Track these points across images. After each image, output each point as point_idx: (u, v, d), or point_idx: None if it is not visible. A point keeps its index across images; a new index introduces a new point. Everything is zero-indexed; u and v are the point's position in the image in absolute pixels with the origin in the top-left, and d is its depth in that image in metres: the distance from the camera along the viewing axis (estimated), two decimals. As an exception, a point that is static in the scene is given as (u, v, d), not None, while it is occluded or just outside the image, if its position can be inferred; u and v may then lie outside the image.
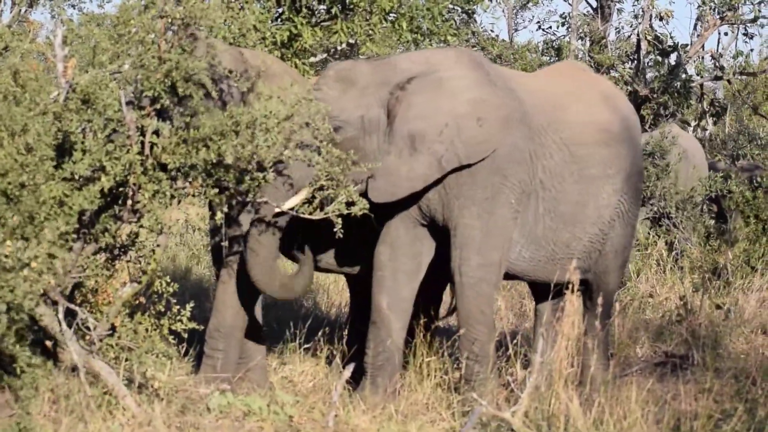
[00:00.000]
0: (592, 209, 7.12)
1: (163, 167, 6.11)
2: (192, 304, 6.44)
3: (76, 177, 5.89)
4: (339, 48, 9.71)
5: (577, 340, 6.41)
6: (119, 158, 5.94)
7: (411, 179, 6.73)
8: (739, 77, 16.57)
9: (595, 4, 17.24)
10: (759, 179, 12.28)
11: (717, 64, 15.73)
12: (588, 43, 17.15)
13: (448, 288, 7.51)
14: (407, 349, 7.18)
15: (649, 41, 15.36)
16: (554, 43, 17.24)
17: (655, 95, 14.94)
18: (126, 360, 6.18)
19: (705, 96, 16.72)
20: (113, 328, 6.20)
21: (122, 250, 6.34)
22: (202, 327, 6.73)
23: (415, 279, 6.98)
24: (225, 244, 6.75)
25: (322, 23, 9.72)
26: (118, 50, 6.10)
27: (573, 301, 6.44)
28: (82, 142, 5.93)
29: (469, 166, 6.75)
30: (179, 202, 6.43)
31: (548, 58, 16.90)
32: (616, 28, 17.48)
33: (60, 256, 5.66)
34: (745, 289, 10.43)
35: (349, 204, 6.44)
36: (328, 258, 7.41)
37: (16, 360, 5.73)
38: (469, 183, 6.77)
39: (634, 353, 8.57)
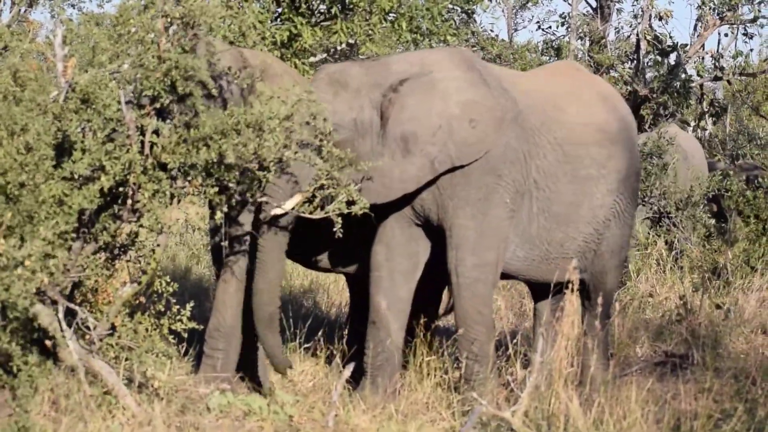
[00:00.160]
0: (586, 209, 7.11)
1: (163, 167, 6.11)
2: (192, 304, 6.44)
3: (76, 176, 5.89)
4: (339, 48, 9.71)
5: (576, 340, 6.41)
6: (119, 158, 5.94)
7: (404, 181, 6.72)
8: (739, 77, 16.58)
9: (594, 4, 17.25)
10: (759, 179, 12.28)
11: (717, 64, 15.74)
12: (587, 43, 17.16)
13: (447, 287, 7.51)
14: (407, 348, 7.18)
15: (648, 41, 15.37)
16: (554, 43, 17.26)
17: (654, 95, 14.95)
18: (126, 359, 6.18)
19: (705, 96, 16.73)
20: (113, 327, 6.20)
21: (122, 249, 6.34)
22: (202, 327, 6.73)
23: (412, 279, 6.99)
24: (225, 243, 6.75)
25: (321, 23, 9.72)
26: (118, 50, 6.10)
27: (573, 301, 6.44)
28: (82, 142, 5.93)
29: (462, 167, 6.74)
30: (179, 201, 6.43)
31: (548, 58, 16.91)
32: (615, 28, 17.51)
33: (56, 255, 5.66)
34: (744, 289, 10.43)
35: (350, 203, 6.45)
36: (328, 258, 7.41)
37: (12, 359, 5.73)
38: (463, 183, 6.77)
39: (634, 353, 8.57)
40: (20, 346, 5.76)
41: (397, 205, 6.85)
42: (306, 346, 7.63)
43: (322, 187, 6.46)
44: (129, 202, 6.11)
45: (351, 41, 9.61)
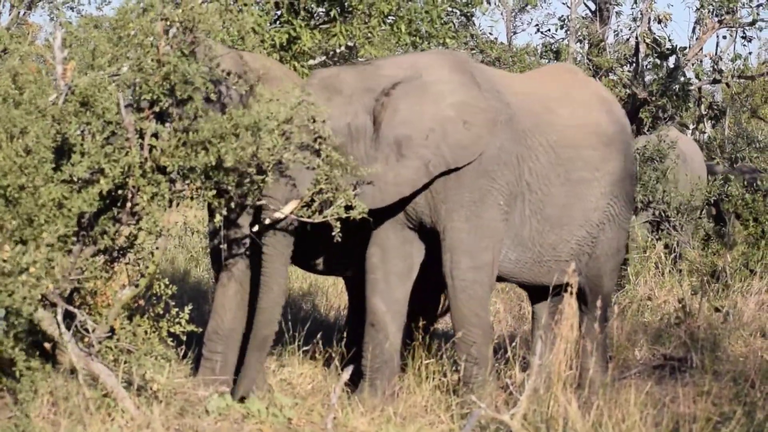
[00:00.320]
0: (578, 212, 7.11)
1: (162, 170, 6.12)
2: (191, 307, 6.46)
3: (75, 179, 5.89)
4: (338, 51, 9.71)
5: (575, 343, 6.41)
6: (118, 161, 5.94)
7: (399, 185, 6.72)
8: (738, 80, 16.58)
9: (593, 7, 17.25)
10: (758, 182, 12.29)
11: (715, 67, 15.74)
12: (587, 46, 17.16)
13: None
14: (406, 351, 7.18)
15: (647, 44, 15.37)
16: (553, 46, 17.26)
17: (653, 98, 14.95)
18: (125, 362, 6.18)
19: (703, 99, 16.74)
20: (112, 330, 6.21)
21: (121, 252, 6.34)
22: (201, 329, 6.74)
23: (407, 280, 6.98)
24: (224, 246, 6.75)
25: (320, 26, 9.72)
26: (117, 53, 6.10)
27: (571, 304, 6.44)
28: (81, 145, 5.94)
29: (456, 169, 6.74)
30: (177, 204, 6.44)
31: (547, 61, 16.91)
32: (614, 31, 17.51)
33: (59, 261, 5.67)
34: (743, 292, 10.44)
35: (348, 208, 6.45)
36: (326, 261, 7.41)
37: (15, 363, 5.73)
38: (456, 187, 6.77)
39: (633, 356, 8.57)
40: (23, 350, 5.77)
41: (393, 210, 6.85)
42: (305, 348, 7.63)
43: (321, 191, 6.46)
44: (128, 205, 6.11)
45: (350, 44, 9.61)
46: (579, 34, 17.12)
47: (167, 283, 6.31)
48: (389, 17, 9.88)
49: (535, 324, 7.54)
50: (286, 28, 9.40)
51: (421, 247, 7.00)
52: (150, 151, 6.07)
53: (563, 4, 18.11)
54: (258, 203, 6.50)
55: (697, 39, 15.73)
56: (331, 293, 10.38)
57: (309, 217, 6.49)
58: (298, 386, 7.26)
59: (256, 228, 6.59)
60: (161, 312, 6.33)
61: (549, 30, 18.25)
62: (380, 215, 6.85)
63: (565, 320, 6.32)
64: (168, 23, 6.13)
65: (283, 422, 6.42)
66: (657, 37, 15.47)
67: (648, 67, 15.46)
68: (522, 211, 6.94)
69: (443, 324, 8.49)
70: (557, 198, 7.01)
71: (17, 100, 5.92)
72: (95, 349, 6.08)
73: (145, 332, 6.23)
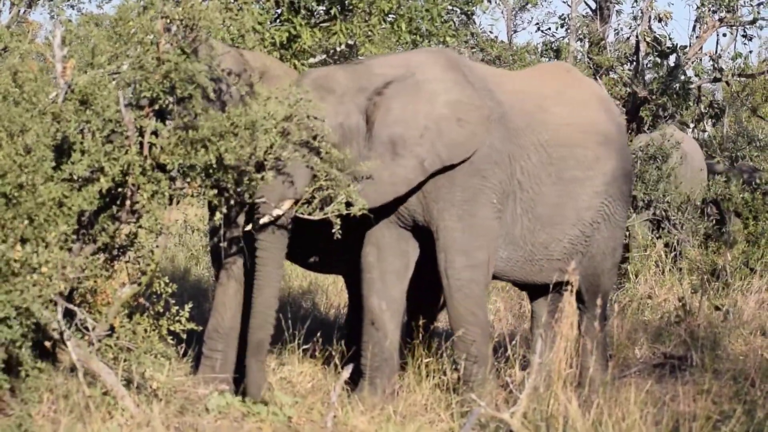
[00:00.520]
0: (571, 211, 7.10)
1: (162, 168, 6.11)
2: (190, 305, 6.45)
3: (75, 178, 5.89)
4: (338, 49, 9.70)
5: (575, 342, 6.41)
6: (118, 159, 5.94)
7: (394, 184, 6.71)
8: (738, 79, 16.57)
9: (594, 6, 17.24)
10: (758, 181, 12.29)
11: (716, 65, 15.73)
12: (587, 45, 17.14)
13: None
14: (406, 350, 7.18)
15: (648, 43, 15.36)
16: (553, 45, 17.24)
17: (654, 97, 14.94)
18: (125, 360, 6.18)
19: (703, 98, 16.72)
20: (112, 328, 6.20)
21: (121, 250, 6.34)
22: (201, 328, 6.74)
23: (404, 278, 6.98)
24: (224, 245, 6.75)
25: (321, 24, 9.71)
26: (117, 51, 6.10)
27: (572, 303, 6.44)
28: (81, 143, 5.93)
29: (449, 168, 6.73)
30: (177, 202, 6.44)
31: (547, 59, 16.89)
32: (615, 30, 17.49)
33: (68, 261, 5.68)
34: (743, 291, 10.44)
35: (348, 205, 6.45)
36: (326, 259, 7.41)
37: (22, 363, 5.73)
38: (447, 186, 6.76)
39: (633, 354, 8.57)
40: (30, 350, 5.77)
41: (388, 209, 6.84)
42: (305, 347, 7.63)
43: (321, 188, 6.45)
44: (128, 203, 6.11)
45: (350, 42, 9.60)
46: (579, 32, 17.11)
47: (167, 281, 6.31)
48: (390, 15, 9.87)
49: (534, 322, 7.54)
50: (287, 27, 9.39)
51: (416, 244, 7.00)
52: (150, 149, 6.07)
53: (564, 2, 18.09)
54: (256, 201, 6.49)
55: (697, 37, 15.72)
56: (331, 291, 10.38)
57: (309, 214, 6.49)
58: (298, 385, 7.26)
59: (249, 227, 6.58)
60: (161, 310, 6.33)
61: (549, 28, 18.18)
62: (375, 214, 6.84)
63: (565, 319, 6.32)
64: (168, 21, 6.12)
65: (283, 421, 6.42)
66: (657, 36, 15.46)
67: (648, 65, 15.45)
68: (513, 209, 6.94)
69: (443, 322, 8.48)
70: (549, 197, 7.01)
71: (17, 98, 5.92)
72: (95, 347, 6.08)
73: (145, 330, 6.23)
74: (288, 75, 7.06)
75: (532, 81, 7.35)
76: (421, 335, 7.14)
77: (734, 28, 16.09)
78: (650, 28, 15.61)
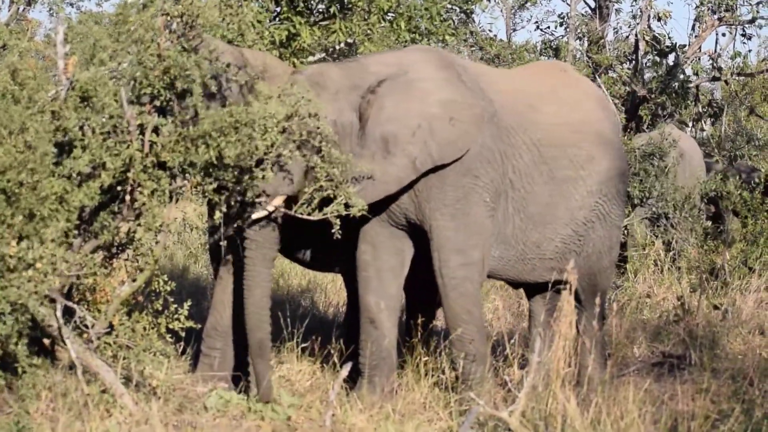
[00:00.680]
0: (563, 210, 7.10)
1: (162, 165, 6.11)
2: (189, 303, 6.46)
3: (75, 174, 5.89)
4: (337, 47, 9.70)
5: (574, 341, 6.42)
6: (119, 154, 5.93)
7: (386, 182, 6.70)
8: (737, 78, 16.57)
9: (593, 5, 17.23)
10: (757, 180, 12.29)
11: (715, 64, 15.73)
12: (586, 44, 17.14)
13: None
14: (405, 348, 7.19)
15: (647, 42, 15.36)
16: (552, 44, 17.24)
17: (653, 95, 14.94)
18: (124, 358, 6.18)
19: (702, 97, 16.72)
20: (111, 326, 6.21)
21: (120, 248, 6.34)
22: (200, 325, 6.74)
23: (400, 275, 6.98)
24: (223, 243, 6.75)
25: (320, 22, 9.71)
26: (118, 47, 6.10)
27: (570, 302, 6.44)
28: (82, 139, 5.93)
29: (443, 166, 6.73)
30: (177, 200, 6.44)
31: (546, 58, 16.89)
32: (614, 29, 17.50)
33: (64, 257, 5.68)
34: (742, 290, 10.44)
35: (347, 204, 6.45)
36: (325, 257, 7.41)
37: (17, 360, 5.73)
38: (438, 185, 6.76)
39: (632, 353, 8.58)
40: (25, 346, 5.77)
41: (381, 207, 6.83)
42: (303, 345, 7.63)
43: (321, 188, 6.45)
44: (128, 199, 6.11)
45: (349, 41, 9.60)
46: (578, 31, 17.12)
47: (166, 279, 6.31)
48: (389, 14, 9.87)
49: (532, 321, 7.55)
50: (286, 25, 9.39)
51: (411, 242, 7.00)
52: (150, 146, 6.06)
53: (563, 1, 18.10)
54: (257, 200, 6.49)
55: (696, 36, 15.72)
56: (329, 290, 10.38)
57: (309, 214, 6.49)
58: (297, 383, 7.26)
59: (240, 223, 6.57)
60: (160, 308, 6.33)
61: (548, 27, 18.21)
62: (368, 212, 6.84)
63: (564, 318, 6.32)
64: (169, 18, 6.12)
65: (282, 419, 6.42)
66: (656, 35, 15.45)
67: (647, 64, 15.44)
68: (505, 208, 6.94)
69: (442, 321, 8.48)
70: (541, 196, 7.01)
71: (17, 96, 5.92)
72: (94, 345, 6.08)
73: (144, 328, 6.24)
74: (288, 74, 7.06)
75: (526, 80, 7.35)
76: (419, 334, 7.14)
77: (733, 27, 16.10)
78: (649, 27, 15.60)
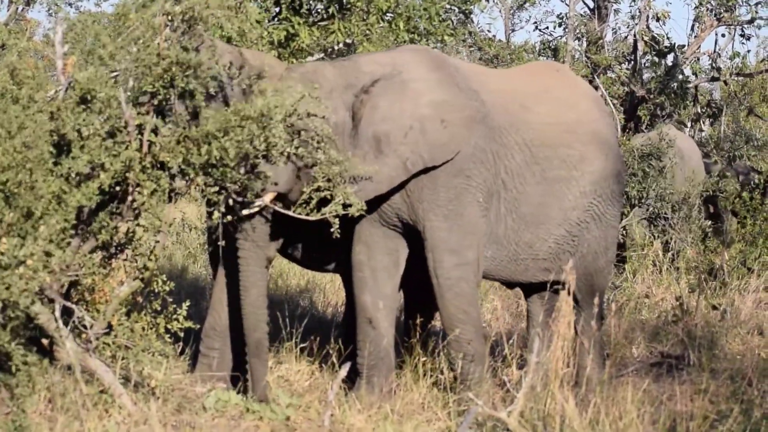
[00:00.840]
0: (556, 211, 7.10)
1: (162, 165, 6.11)
2: (188, 303, 6.46)
3: (74, 174, 5.88)
4: (336, 48, 9.70)
5: (572, 341, 6.42)
6: (118, 155, 5.93)
7: (377, 182, 6.69)
8: (736, 78, 16.58)
9: (592, 5, 17.24)
10: (756, 180, 12.30)
11: (714, 65, 15.74)
12: (585, 44, 17.14)
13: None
14: (403, 348, 7.18)
15: (645, 42, 15.37)
16: (551, 44, 17.24)
17: (651, 96, 14.95)
18: (122, 358, 6.18)
19: (701, 97, 16.73)
20: (110, 326, 6.20)
21: (119, 248, 6.34)
22: (199, 326, 6.74)
23: (395, 275, 6.98)
24: (222, 243, 6.75)
25: (319, 23, 9.71)
26: (117, 46, 6.09)
27: (569, 302, 6.44)
28: (80, 140, 5.93)
29: (434, 168, 6.73)
30: (176, 201, 6.44)
31: (545, 58, 16.89)
32: (613, 29, 17.48)
33: (56, 254, 5.66)
34: (741, 290, 10.45)
35: (345, 205, 6.45)
36: (324, 257, 7.41)
37: (12, 358, 5.73)
38: (430, 186, 6.76)
39: (630, 353, 8.58)
40: (20, 345, 5.76)
41: (371, 207, 6.83)
42: (302, 345, 7.63)
43: (319, 189, 6.45)
44: (128, 199, 6.11)
45: (348, 41, 9.60)
46: (577, 31, 17.11)
47: (165, 279, 6.31)
48: (387, 14, 9.87)
49: (531, 321, 7.54)
50: (285, 25, 9.39)
51: (404, 241, 6.99)
52: (150, 146, 6.06)
53: (561, 1, 18.09)
54: (257, 199, 6.48)
55: (695, 37, 15.73)
56: (328, 290, 10.38)
57: (307, 215, 6.49)
58: (296, 383, 7.26)
59: (230, 218, 6.55)
60: (159, 308, 6.33)
61: (547, 27, 18.18)
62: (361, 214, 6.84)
63: (562, 318, 6.32)
64: (169, 18, 6.12)
65: (280, 419, 6.42)
66: (655, 35, 15.47)
67: (646, 64, 15.46)
68: (498, 209, 6.94)
69: (440, 321, 8.48)
70: (533, 196, 7.01)
71: (15, 95, 5.91)
72: (92, 346, 6.08)
73: (143, 329, 6.23)
74: (287, 74, 7.06)
75: (519, 80, 7.35)
76: (418, 334, 7.14)
77: (732, 27, 16.11)
78: (648, 27, 15.62)
